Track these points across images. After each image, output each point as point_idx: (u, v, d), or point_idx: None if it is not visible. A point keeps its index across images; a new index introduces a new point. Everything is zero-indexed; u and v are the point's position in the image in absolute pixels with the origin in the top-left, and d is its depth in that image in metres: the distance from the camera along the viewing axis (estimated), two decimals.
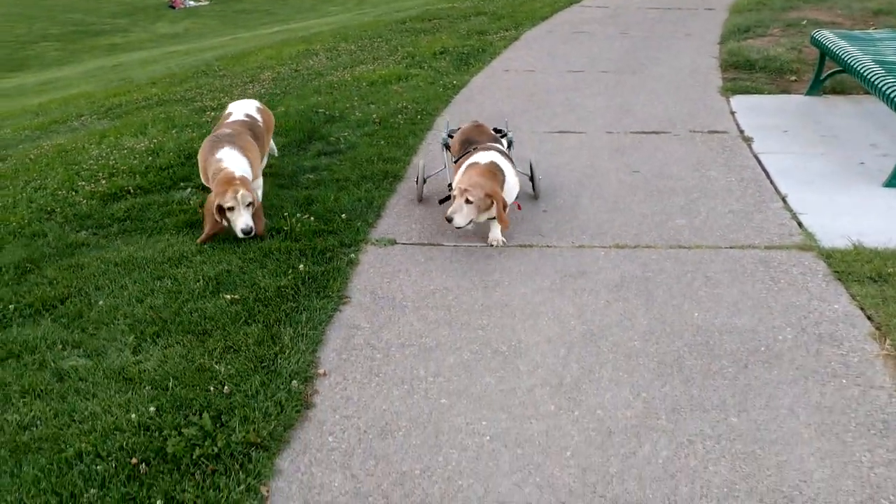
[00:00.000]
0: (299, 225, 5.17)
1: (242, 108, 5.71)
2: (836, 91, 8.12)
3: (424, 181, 5.61)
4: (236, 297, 4.31)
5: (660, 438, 3.29)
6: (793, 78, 8.68)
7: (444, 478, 3.12)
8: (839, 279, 4.44)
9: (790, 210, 5.38)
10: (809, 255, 4.74)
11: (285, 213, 5.36)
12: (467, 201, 4.49)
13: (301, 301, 4.31)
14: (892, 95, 5.63)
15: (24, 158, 7.43)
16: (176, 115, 8.45)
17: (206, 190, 5.28)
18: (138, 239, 5.23)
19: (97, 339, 4.01)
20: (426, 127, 7.42)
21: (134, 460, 3.09)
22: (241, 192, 4.68)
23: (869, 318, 4.07)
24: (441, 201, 5.24)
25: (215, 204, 4.70)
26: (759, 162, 6.31)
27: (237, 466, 3.10)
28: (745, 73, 9.04)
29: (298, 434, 3.37)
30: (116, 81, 13.32)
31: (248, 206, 4.73)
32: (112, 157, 6.91)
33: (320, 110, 7.90)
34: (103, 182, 6.24)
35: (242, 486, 3.00)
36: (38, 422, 3.38)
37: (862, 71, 6.23)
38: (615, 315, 4.24)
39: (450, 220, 4.54)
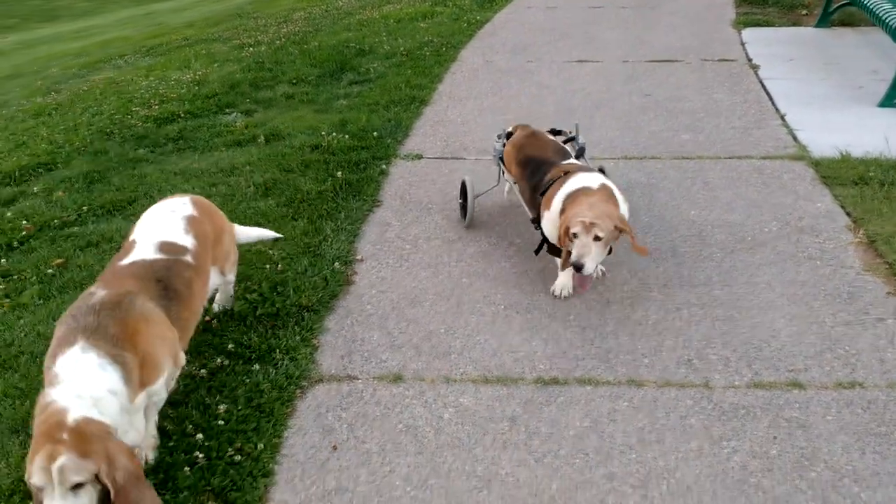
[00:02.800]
0: (335, 142, 5.70)
1: (158, 226, 3.13)
2: (844, 23, 8.43)
3: (475, 201, 4.47)
4: (283, 198, 4.86)
5: (651, 306, 3.82)
6: (804, 12, 8.98)
7: (465, 335, 3.68)
8: (825, 183, 4.90)
9: (787, 126, 5.81)
10: (800, 164, 5.20)
11: (322, 132, 5.90)
12: (596, 238, 3.34)
13: (339, 202, 4.87)
14: (892, 24, 5.99)
15: (77, 90, 8.03)
16: (216, 52, 8.98)
17: (249, 114, 5.78)
18: (191, 155, 5.81)
19: None
20: (451, 58, 7.89)
21: (207, 318, 3.67)
22: (60, 463, 2.19)
23: (847, 213, 4.54)
24: (537, 251, 4.01)
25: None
26: (763, 86, 6.71)
27: (292, 323, 3.70)
28: (757, 7, 9.35)
29: (341, 303, 3.95)
30: (152, 26, 13.84)
31: (73, 489, 2.21)
32: (161, 87, 7.48)
33: (351, 45, 8.38)
34: (155, 107, 6.81)
35: (298, 337, 3.60)
36: None
37: (866, 2, 6.58)
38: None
39: (579, 267, 3.34)
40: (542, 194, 3.77)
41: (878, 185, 4.72)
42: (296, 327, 3.67)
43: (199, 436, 2.98)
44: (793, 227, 4.45)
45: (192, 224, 3.18)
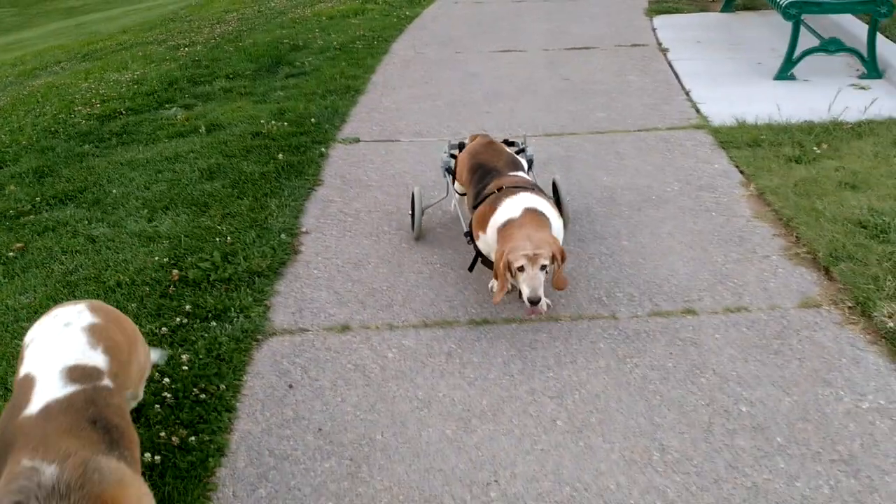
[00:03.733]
0: (275, 129, 6.06)
1: (55, 347, 2.48)
2: (747, 7, 9.13)
3: (423, 213, 4.42)
4: (227, 181, 5.21)
5: (570, 252, 4.28)
6: None
7: (405, 290, 4.09)
8: (722, 147, 5.46)
9: (692, 101, 6.39)
10: (701, 132, 5.76)
11: (262, 121, 6.25)
12: (542, 267, 3.28)
13: (282, 182, 5.23)
14: (781, 2, 6.62)
15: (17, 95, 8.19)
16: (152, 53, 9.22)
17: (189, 108, 6.09)
18: (136, 147, 6.10)
19: (116, 215, 4.92)
20: (383, 51, 8.31)
21: (167, 283, 4.01)
22: None
23: (741, 171, 5.10)
24: (470, 267, 3.93)
25: None
26: (672, 67, 7.30)
27: (244, 286, 4.06)
28: None
29: (290, 269, 4.32)
30: (85, 35, 13.90)
31: None
32: (101, 88, 7.71)
33: (285, 41, 8.73)
34: (97, 106, 7.06)
35: (251, 298, 3.96)
36: (81, 268, 4.29)
37: None
38: (541, 182, 5.20)
39: (535, 301, 3.28)
40: (475, 207, 3.73)
41: (769, 145, 5.29)
42: (248, 290, 4.03)
43: (166, 380, 3.32)
44: (693, 185, 4.98)
45: (98, 335, 2.51)
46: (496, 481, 2.84)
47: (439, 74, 7.59)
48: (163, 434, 3.02)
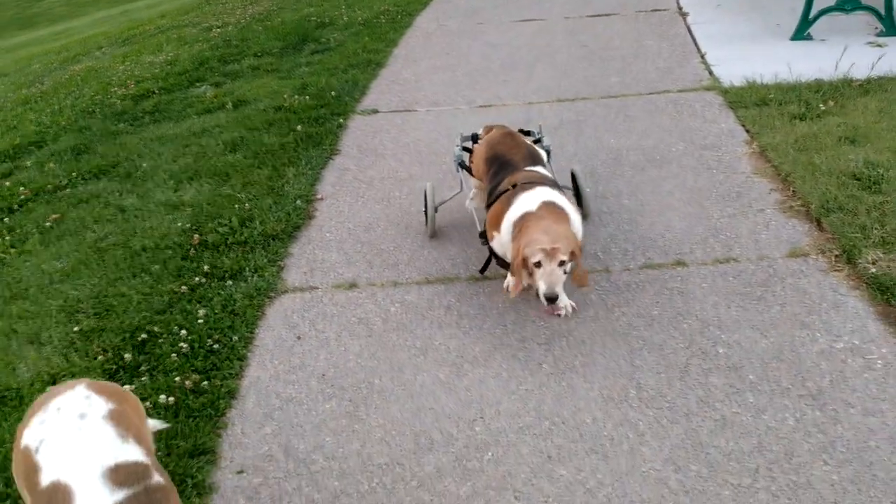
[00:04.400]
0: (297, 102, 6.31)
1: (81, 447, 2.03)
2: None
3: (436, 210, 4.24)
4: (249, 152, 5.48)
5: None
6: None
7: (411, 250, 4.31)
8: (730, 107, 5.53)
9: (706, 63, 6.44)
10: (711, 94, 5.83)
11: (284, 96, 6.50)
12: (561, 263, 3.08)
13: (300, 152, 5.48)
14: None
15: (59, 80, 8.60)
16: (186, 35, 9.55)
17: (218, 86, 6.35)
18: (167, 124, 6.41)
19: (145, 187, 5.23)
20: (406, 25, 8.50)
21: (188, 246, 4.31)
22: None
23: (746, 130, 5.17)
24: (482, 269, 3.80)
25: None
26: (690, 31, 7.33)
27: (260, 248, 4.32)
28: None
29: (304, 233, 4.57)
30: (127, 21, 14.36)
31: None
32: (136, 70, 8.07)
33: (312, 18, 8.96)
34: (132, 87, 7.40)
35: (265, 259, 4.23)
36: (111, 235, 4.61)
37: None
38: (552, 146, 5.36)
39: (553, 299, 3.11)
40: (489, 206, 3.54)
41: (776, 104, 5.34)
42: (263, 252, 4.29)
43: (183, 332, 3.61)
44: (697, 145, 5.08)
45: (123, 423, 2.12)
46: (482, 417, 3.06)
47: (460, 45, 7.74)
48: (178, 379, 3.30)
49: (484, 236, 3.64)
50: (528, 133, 4.28)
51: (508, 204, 3.34)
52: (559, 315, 3.41)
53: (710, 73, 6.21)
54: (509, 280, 3.54)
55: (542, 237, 3.07)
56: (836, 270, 3.65)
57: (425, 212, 4.27)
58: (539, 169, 3.61)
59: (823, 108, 5.12)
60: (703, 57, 6.59)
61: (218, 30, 9.44)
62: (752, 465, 2.69)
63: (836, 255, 3.73)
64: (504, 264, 3.55)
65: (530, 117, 5.81)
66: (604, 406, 3.04)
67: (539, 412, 3.03)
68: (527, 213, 3.23)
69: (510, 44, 7.59)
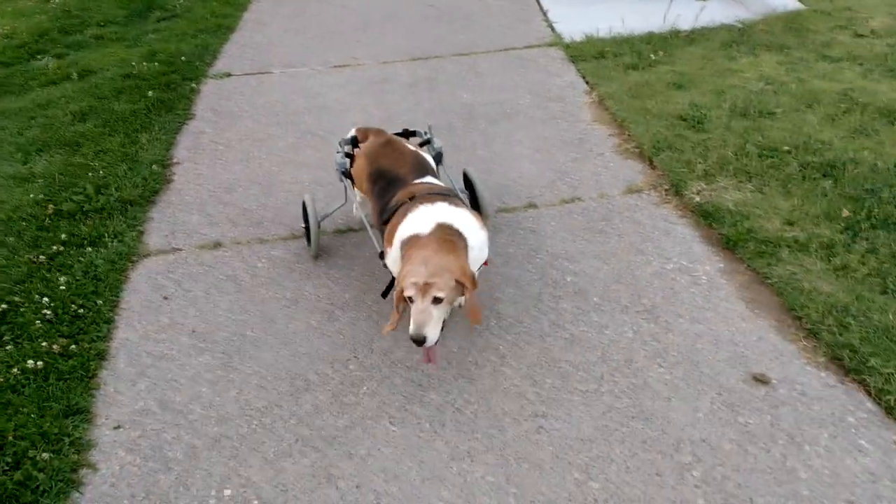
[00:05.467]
0: (146, 69, 6.15)
1: None
2: None
3: (319, 225, 3.78)
4: (99, 121, 5.33)
5: None
6: None
7: (275, 207, 4.37)
8: (572, 61, 5.88)
9: (548, 21, 6.78)
10: (554, 49, 6.16)
11: (132, 63, 6.32)
12: (436, 300, 2.66)
13: (153, 118, 5.39)
14: None
15: None
16: (21, 7, 8.95)
17: (61, 57, 6.05)
18: (8, 98, 6.09)
19: None
20: None
21: (44, 217, 4.19)
22: None
23: (587, 82, 5.53)
24: (384, 293, 3.27)
25: None
26: None
27: (118, 214, 4.27)
28: None
29: (162, 197, 4.54)
30: None
31: None
32: None
33: None
34: None
35: (125, 225, 4.18)
36: None
37: None
38: (408, 103, 5.53)
39: (420, 341, 2.65)
40: (385, 223, 3.11)
41: (612, 56, 5.74)
42: (121, 217, 4.24)
43: (45, 299, 3.55)
44: (543, 97, 5.39)
45: None
46: (355, 356, 3.22)
47: (310, 9, 7.73)
48: (44, 344, 3.26)
49: (382, 256, 3.17)
50: (413, 133, 3.90)
51: (403, 218, 2.93)
52: (432, 365, 2.87)
53: (553, 29, 6.55)
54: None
55: (419, 268, 2.65)
56: (665, 203, 4.05)
57: (306, 227, 3.82)
58: (430, 179, 3.24)
59: (654, 57, 5.55)
60: (545, 14, 6.93)
61: (56, 1, 8.93)
62: (597, 374, 3.00)
63: (666, 189, 4.12)
64: None
65: (386, 75, 5.96)
66: (466, 335, 3.27)
67: (410, 346, 3.22)
68: (415, 234, 2.82)
69: (359, 6, 7.67)
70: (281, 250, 3.96)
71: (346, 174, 3.71)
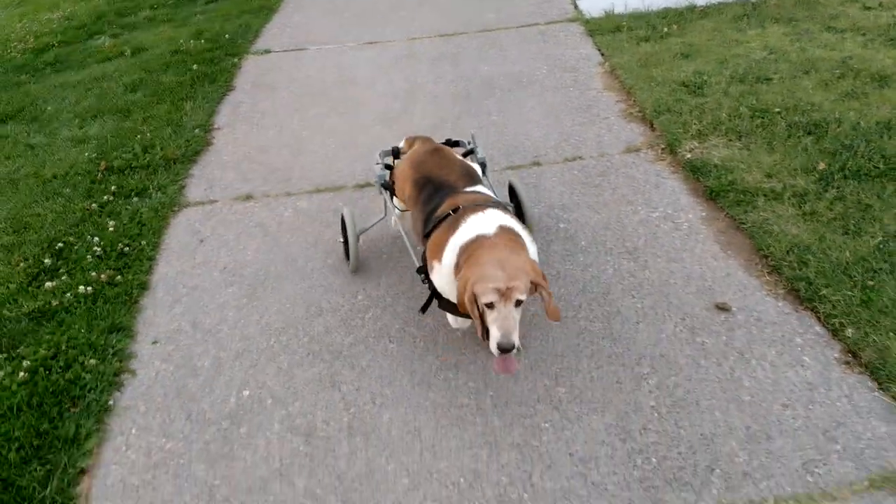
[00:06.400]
0: (192, 46, 6.66)
1: None
2: None
3: (358, 239, 3.66)
4: (148, 92, 5.84)
5: (445, 130, 4.99)
6: None
7: (302, 166, 4.80)
8: (589, 35, 6.18)
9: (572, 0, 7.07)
10: (574, 24, 6.46)
11: (180, 41, 6.83)
12: (518, 303, 2.51)
13: (197, 88, 5.87)
14: None
15: None
16: None
17: (116, 37, 6.59)
18: (68, 73, 6.67)
19: (51, 127, 5.54)
20: None
21: (96, 172, 4.70)
22: None
23: (602, 54, 5.83)
24: (423, 308, 3.04)
25: None
26: None
27: (162, 170, 4.75)
28: None
29: (203, 157, 5.01)
30: None
31: None
32: (34, 27, 8.19)
33: None
34: (32, 41, 7.57)
35: (168, 179, 4.66)
36: (22, 168, 4.94)
37: None
38: (430, 76, 5.91)
39: (507, 348, 2.48)
40: (429, 234, 2.91)
41: (627, 30, 6.02)
42: (165, 173, 4.72)
43: (96, 239, 4.04)
44: (559, 68, 5.71)
45: None
46: (364, 289, 3.61)
47: None
48: (94, 274, 3.74)
49: (422, 271, 3.00)
50: (456, 143, 3.76)
51: (454, 228, 2.74)
52: (513, 372, 2.65)
53: (576, 6, 6.85)
54: (453, 318, 3.07)
55: (496, 272, 2.47)
56: (660, 160, 4.35)
57: (344, 242, 3.71)
58: (481, 189, 3.07)
59: (667, 30, 5.82)
60: None
61: None
62: (576, 304, 3.34)
63: (662, 148, 4.42)
64: (450, 306, 2.87)
65: (413, 51, 6.34)
66: None
67: (414, 281, 3.59)
68: (479, 236, 2.65)
69: None
70: (305, 202, 4.38)
71: (386, 186, 3.55)
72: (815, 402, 2.72)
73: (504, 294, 2.46)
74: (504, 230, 2.70)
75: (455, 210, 2.85)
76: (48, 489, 2.66)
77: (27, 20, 8.67)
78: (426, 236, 2.94)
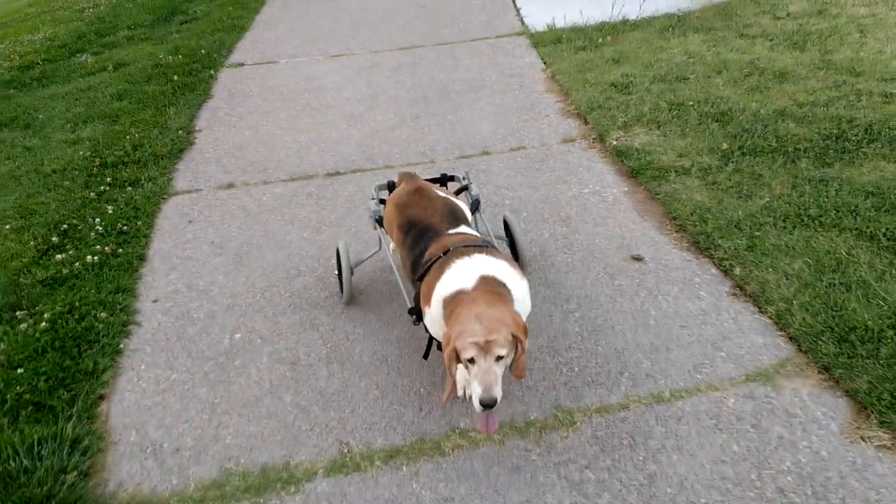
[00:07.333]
0: (172, 60, 7.23)
1: None
2: None
3: (352, 272, 3.72)
4: (133, 100, 6.40)
5: (405, 128, 5.64)
6: None
7: (277, 159, 5.38)
8: (534, 46, 6.88)
9: (519, 16, 7.80)
10: (521, 38, 7.17)
11: (160, 56, 7.40)
12: (498, 358, 2.47)
13: (178, 97, 6.44)
14: None
15: None
16: (60, 16, 10.17)
17: (97, 54, 7.14)
18: (55, 86, 7.19)
19: (44, 132, 6.06)
20: None
21: (91, 167, 5.23)
22: None
23: (544, 62, 6.52)
24: (425, 355, 3.12)
25: None
26: None
27: (152, 164, 5.30)
28: None
29: (187, 154, 5.56)
30: None
31: None
32: (17, 46, 8.70)
33: None
34: (17, 59, 8.07)
35: (157, 172, 5.20)
36: (22, 166, 5.45)
37: None
38: (391, 82, 6.55)
39: (490, 404, 2.43)
40: (420, 279, 2.90)
41: (567, 41, 6.73)
42: (154, 167, 5.27)
43: (97, 219, 4.57)
44: (507, 75, 6.39)
45: None
46: (336, 254, 4.19)
47: (315, 11, 8.81)
48: (98, 247, 4.28)
49: (414, 312, 2.98)
50: (451, 178, 3.89)
51: (440, 274, 2.73)
52: (494, 430, 2.62)
53: (523, 22, 7.57)
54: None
55: (474, 326, 2.46)
56: (591, 148, 5.01)
57: (339, 275, 3.75)
58: (464, 229, 3.06)
59: (601, 41, 6.54)
60: (518, 11, 7.95)
61: (90, 10, 10.11)
62: (498, 232, 3.94)
63: (594, 139, 5.09)
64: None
65: (375, 62, 6.99)
66: None
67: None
68: (460, 290, 2.62)
69: (358, 7, 8.73)
70: (282, 189, 4.96)
71: (380, 221, 3.57)
72: (706, 323, 3.37)
73: (483, 348, 2.43)
74: (485, 280, 2.62)
75: (446, 252, 2.80)
76: (74, 408, 3.19)
77: (9, 41, 9.16)
78: (418, 280, 2.90)
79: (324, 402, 3.16)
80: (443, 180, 3.88)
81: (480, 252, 2.74)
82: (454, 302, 2.60)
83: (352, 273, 3.70)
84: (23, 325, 3.66)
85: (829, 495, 2.52)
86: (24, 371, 3.37)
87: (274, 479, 2.82)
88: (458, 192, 3.67)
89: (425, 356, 3.13)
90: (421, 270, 2.89)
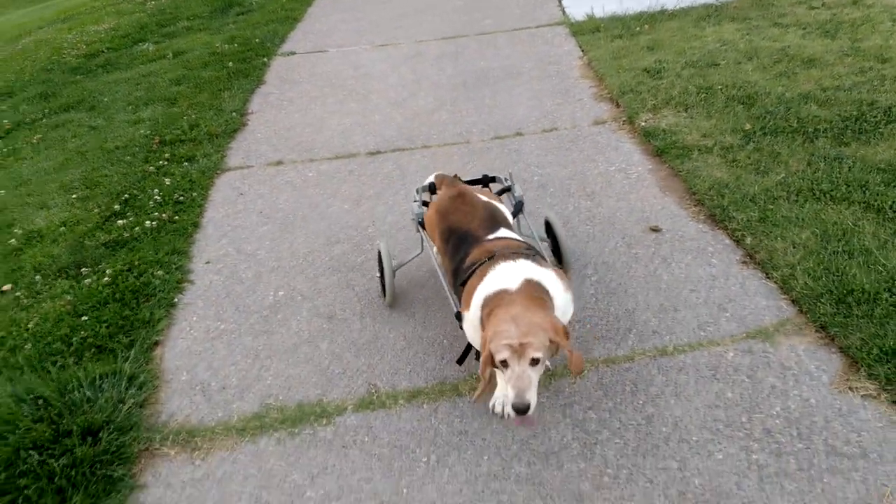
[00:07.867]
0: (227, 49, 7.64)
1: None
2: None
3: (394, 274, 3.70)
4: (191, 84, 6.82)
5: (444, 112, 5.93)
6: None
7: (324, 140, 5.72)
8: (573, 35, 7.10)
9: (560, 6, 8.01)
10: (561, 27, 7.39)
11: (216, 45, 7.82)
12: (533, 362, 2.42)
13: (233, 82, 6.84)
14: None
15: (12, 51, 9.68)
16: (123, 9, 10.72)
17: (158, 43, 7.60)
18: (118, 72, 7.67)
19: (108, 113, 6.52)
20: None
21: (151, 144, 5.65)
22: None
23: (582, 50, 6.74)
24: (460, 360, 3.09)
25: None
26: None
27: (207, 142, 5.69)
28: None
29: (239, 134, 5.95)
30: (57, 10, 15.27)
31: None
32: (83, 36, 9.25)
33: None
34: (83, 48, 8.61)
35: (212, 149, 5.59)
36: (87, 143, 5.90)
37: None
38: (434, 70, 6.84)
39: (524, 409, 2.36)
40: (463, 284, 2.83)
41: (604, 30, 6.93)
42: (209, 145, 5.66)
43: (156, 190, 4.97)
44: (544, 62, 6.62)
45: None
46: (373, 224, 4.49)
47: (363, 4, 9.16)
48: (156, 214, 4.67)
49: (460, 317, 2.91)
50: (493, 179, 3.85)
51: (483, 276, 2.69)
52: (532, 429, 2.68)
53: (563, 12, 7.78)
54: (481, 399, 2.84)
55: (510, 328, 2.41)
56: (621, 129, 5.22)
57: (381, 276, 3.72)
58: (504, 232, 3.00)
59: (638, 30, 6.72)
60: (559, 1, 8.15)
61: (152, 3, 10.65)
62: (541, 233, 4.20)
63: (623, 121, 5.30)
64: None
65: (419, 51, 7.29)
66: None
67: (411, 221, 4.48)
68: (498, 292, 2.59)
69: (404, 1, 9.04)
70: (326, 165, 5.29)
71: (423, 224, 3.52)
72: (715, 287, 3.57)
73: (517, 351, 2.37)
74: (530, 285, 2.59)
75: (491, 257, 2.77)
76: (132, 351, 3.56)
77: (75, 32, 9.73)
78: (462, 284, 2.84)
79: (356, 350, 3.46)
80: (484, 181, 3.83)
81: (525, 257, 2.72)
82: (494, 301, 2.56)
83: (394, 275, 3.65)
84: (87, 280, 4.05)
85: (812, 436, 2.72)
86: (87, 319, 3.75)
87: (308, 412, 3.13)
88: (500, 193, 3.68)
89: (460, 361, 3.09)
90: (464, 276, 2.82)
